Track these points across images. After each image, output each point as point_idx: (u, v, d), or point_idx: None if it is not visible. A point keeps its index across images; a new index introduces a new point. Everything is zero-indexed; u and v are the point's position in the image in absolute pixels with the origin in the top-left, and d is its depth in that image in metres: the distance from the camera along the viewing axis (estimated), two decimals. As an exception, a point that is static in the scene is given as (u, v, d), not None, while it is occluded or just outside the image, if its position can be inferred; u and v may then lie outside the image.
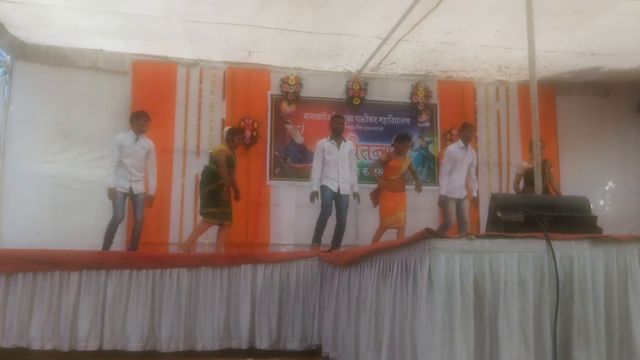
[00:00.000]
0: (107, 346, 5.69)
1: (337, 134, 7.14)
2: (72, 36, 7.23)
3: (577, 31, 6.81)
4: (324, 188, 6.96)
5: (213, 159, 6.85)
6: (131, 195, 6.67)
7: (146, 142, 6.81)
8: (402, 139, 7.31)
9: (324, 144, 7.10)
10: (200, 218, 7.04)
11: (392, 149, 7.45)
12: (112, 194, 6.48)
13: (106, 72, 7.72)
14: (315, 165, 7.05)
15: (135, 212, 6.75)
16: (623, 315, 3.37)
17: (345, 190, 7.02)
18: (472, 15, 6.45)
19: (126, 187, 6.59)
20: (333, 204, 6.99)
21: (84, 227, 7.13)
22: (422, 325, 3.16)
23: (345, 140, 7.25)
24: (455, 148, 7.39)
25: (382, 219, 7.17)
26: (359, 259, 4.65)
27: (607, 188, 8.87)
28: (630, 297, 3.37)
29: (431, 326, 3.07)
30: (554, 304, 3.24)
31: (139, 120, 6.71)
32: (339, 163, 7.01)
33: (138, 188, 6.69)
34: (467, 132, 7.40)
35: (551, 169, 7.48)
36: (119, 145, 6.59)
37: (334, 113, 7.87)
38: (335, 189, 6.96)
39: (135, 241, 6.73)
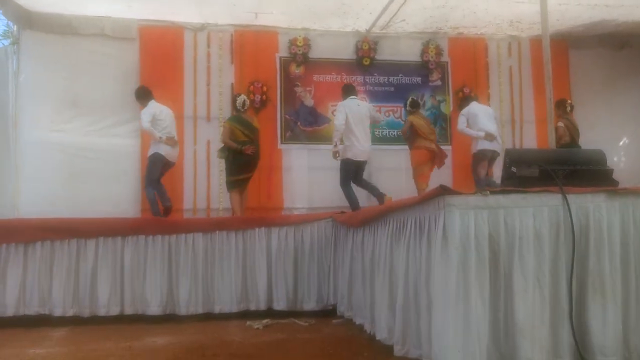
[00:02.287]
0: (128, 311, 5.82)
1: None
2: (77, 3, 7.15)
3: (590, -18, 6.65)
4: None
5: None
6: None
7: None
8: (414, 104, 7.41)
9: None
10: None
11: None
12: None
13: (113, 39, 7.64)
14: None
15: None
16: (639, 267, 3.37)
17: None
18: (483, -32, 6.31)
19: None
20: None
21: (95, 195, 7.16)
22: (437, 282, 3.19)
23: None
24: None
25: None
26: (372, 219, 4.66)
27: (621, 143, 8.76)
28: (647, 249, 3.36)
29: (446, 282, 3.09)
30: (569, 258, 3.25)
31: None
32: None
33: None
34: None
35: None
36: None
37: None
38: None
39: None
